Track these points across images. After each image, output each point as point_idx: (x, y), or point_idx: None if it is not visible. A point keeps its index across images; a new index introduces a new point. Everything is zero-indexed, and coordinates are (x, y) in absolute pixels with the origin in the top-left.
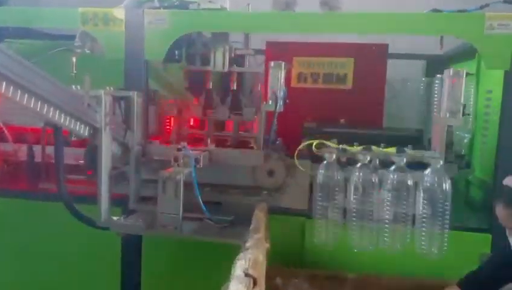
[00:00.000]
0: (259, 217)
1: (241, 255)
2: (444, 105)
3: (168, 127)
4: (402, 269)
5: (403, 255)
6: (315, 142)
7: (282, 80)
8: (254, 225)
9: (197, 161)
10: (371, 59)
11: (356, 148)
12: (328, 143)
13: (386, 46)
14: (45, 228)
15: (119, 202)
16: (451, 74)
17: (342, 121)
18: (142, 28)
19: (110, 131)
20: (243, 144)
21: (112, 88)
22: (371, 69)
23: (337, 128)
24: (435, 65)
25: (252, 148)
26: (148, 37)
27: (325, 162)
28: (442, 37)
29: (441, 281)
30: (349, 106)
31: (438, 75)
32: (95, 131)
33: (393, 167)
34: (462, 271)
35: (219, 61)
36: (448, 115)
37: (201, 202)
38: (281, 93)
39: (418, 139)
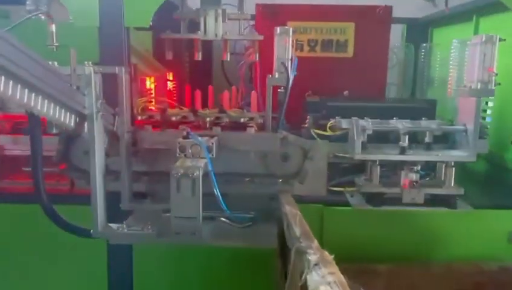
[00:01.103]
0: (296, 215)
1: (316, 278)
2: (474, 75)
3: (150, 108)
4: (429, 255)
5: (429, 241)
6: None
7: (291, 49)
8: (301, 228)
9: (209, 149)
10: (374, 23)
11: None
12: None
13: (390, 8)
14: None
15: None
16: (483, 39)
17: (346, 93)
18: None
19: (101, 119)
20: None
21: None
22: (374, 35)
23: (343, 102)
24: (414, 30)
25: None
26: None
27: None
28: None
29: (473, 265)
30: (351, 76)
31: (424, 44)
32: (83, 119)
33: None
34: (492, 252)
35: (210, 28)
36: (479, 86)
37: (221, 199)
38: (289, 65)
39: (431, 112)
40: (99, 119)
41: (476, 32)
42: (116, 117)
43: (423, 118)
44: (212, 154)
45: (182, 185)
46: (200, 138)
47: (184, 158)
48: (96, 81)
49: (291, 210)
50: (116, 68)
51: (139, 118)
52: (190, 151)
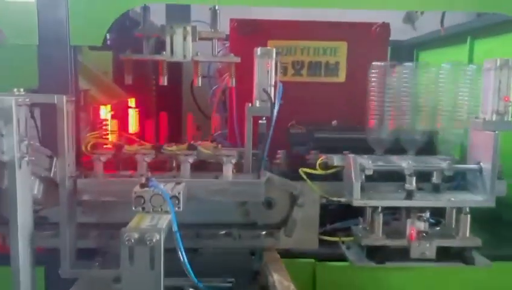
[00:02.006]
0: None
1: None
2: (488, 105)
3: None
4: None
5: None
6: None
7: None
8: None
9: (175, 200)
10: (369, 43)
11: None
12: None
13: (388, 26)
14: None
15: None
16: (498, 64)
17: (334, 123)
18: None
19: (28, 166)
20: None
21: (21, 90)
22: (369, 57)
23: (332, 133)
24: (399, 52)
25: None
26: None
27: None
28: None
29: None
30: (342, 104)
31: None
32: (1, 167)
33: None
34: None
35: (178, 47)
36: (494, 118)
37: (189, 269)
38: (272, 91)
39: (431, 144)
40: (24, 167)
41: (470, 55)
42: (54, 160)
43: (423, 152)
44: (179, 207)
45: (137, 255)
46: (162, 186)
47: (141, 214)
48: (20, 116)
49: (281, 282)
50: (55, 97)
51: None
52: (150, 203)
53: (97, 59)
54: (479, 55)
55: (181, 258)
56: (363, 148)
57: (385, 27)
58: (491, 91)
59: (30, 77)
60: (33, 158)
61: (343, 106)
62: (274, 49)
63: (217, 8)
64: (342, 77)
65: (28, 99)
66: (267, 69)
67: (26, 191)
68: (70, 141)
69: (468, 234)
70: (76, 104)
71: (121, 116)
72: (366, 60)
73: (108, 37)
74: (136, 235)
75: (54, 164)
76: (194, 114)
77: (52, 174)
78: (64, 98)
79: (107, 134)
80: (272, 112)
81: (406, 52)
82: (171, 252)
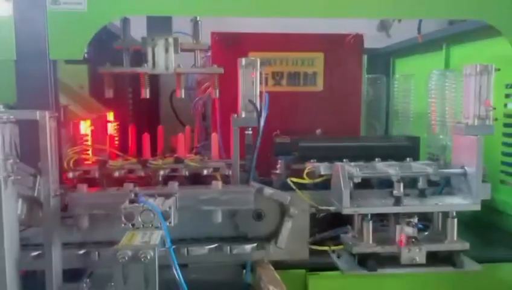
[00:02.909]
0: None
1: None
2: (470, 109)
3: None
4: None
5: None
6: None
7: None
8: None
9: (166, 215)
10: (344, 53)
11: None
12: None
13: (361, 37)
14: None
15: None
16: (478, 70)
17: (318, 131)
18: (43, 9)
19: (13, 185)
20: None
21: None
22: (344, 66)
23: (317, 142)
24: (375, 60)
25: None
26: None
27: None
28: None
29: None
30: (322, 112)
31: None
32: None
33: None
34: None
35: (160, 59)
36: (476, 122)
37: (185, 287)
38: (259, 101)
39: (414, 150)
40: (9, 187)
41: (447, 62)
42: (38, 178)
43: (407, 158)
44: (170, 222)
45: (131, 273)
46: (152, 202)
47: (132, 230)
48: (5, 134)
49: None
50: (38, 113)
51: (71, 174)
52: (140, 219)
53: (72, 73)
54: (455, 61)
55: (176, 275)
56: (350, 156)
57: (358, 37)
58: (472, 96)
59: (5, 93)
60: (19, 177)
61: (322, 113)
62: (258, 59)
63: (198, 19)
64: (319, 86)
65: (12, 116)
66: (252, 80)
67: (12, 212)
68: (53, 158)
69: (456, 238)
70: (57, 119)
71: (100, 131)
72: (341, 69)
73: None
74: (129, 253)
75: (37, 183)
76: (174, 126)
77: (36, 193)
78: (47, 114)
79: (88, 149)
80: (258, 122)
81: (382, 60)
82: (161, 269)
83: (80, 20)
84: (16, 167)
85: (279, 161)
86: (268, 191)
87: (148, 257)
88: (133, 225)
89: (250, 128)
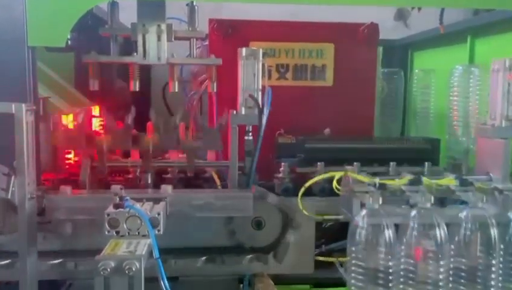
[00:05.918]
0: None
1: None
2: (497, 109)
3: (68, 159)
4: None
5: None
6: (337, 176)
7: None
8: None
9: (154, 222)
10: (357, 45)
11: (399, 182)
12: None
13: (376, 26)
14: None
15: None
16: (506, 64)
17: (327, 131)
18: None
19: None
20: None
21: None
22: (357, 59)
23: (325, 143)
24: (392, 53)
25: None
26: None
27: (364, 210)
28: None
29: None
30: (331, 110)
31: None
32: None
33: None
34: None
35: (152, 48)
36: (504, 124)
37: None
38: (261, 97)
39: (434, 154)
40: None
41: (471, 56)
42: (13, 178)
43: (426, 163)
44: (159, 230)
45: (114, 286)
46: (139, 207)
47: (117, 238)
48: None
49: None
50: (13, 106)
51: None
52: (125, 226)
53: (56, 62)
54: (480, 55)
55: (163, 288)
56: (361, 159)
57: (373, 27)
58: (500, 95)
59: None
60: None
61: (332, 111)
62: (260, 50)
63: (194, 3)
64: (329, 81)
65: None
66: (254, 72)
67: None
68: (30, 156)
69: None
70: (35, 113)
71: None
72: (354, 62)
73: (69, 36)
74: (112, 264)
75: (12, 183)
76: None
77: (9, 195)
78: (24, 106)
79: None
80: (260, 120)
81: (399, 52)
82: (147, 281)
83: (62, 3)
84: None
85: (282, 164)
86: (271, 196)
87: (134, 269)
88: (117, 232)
89: (250, 134)
